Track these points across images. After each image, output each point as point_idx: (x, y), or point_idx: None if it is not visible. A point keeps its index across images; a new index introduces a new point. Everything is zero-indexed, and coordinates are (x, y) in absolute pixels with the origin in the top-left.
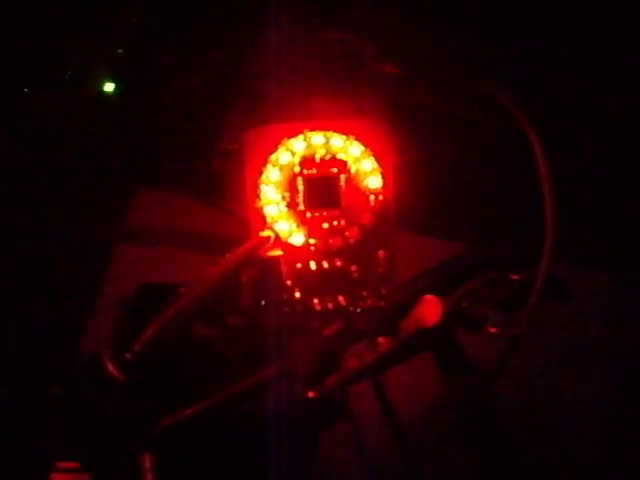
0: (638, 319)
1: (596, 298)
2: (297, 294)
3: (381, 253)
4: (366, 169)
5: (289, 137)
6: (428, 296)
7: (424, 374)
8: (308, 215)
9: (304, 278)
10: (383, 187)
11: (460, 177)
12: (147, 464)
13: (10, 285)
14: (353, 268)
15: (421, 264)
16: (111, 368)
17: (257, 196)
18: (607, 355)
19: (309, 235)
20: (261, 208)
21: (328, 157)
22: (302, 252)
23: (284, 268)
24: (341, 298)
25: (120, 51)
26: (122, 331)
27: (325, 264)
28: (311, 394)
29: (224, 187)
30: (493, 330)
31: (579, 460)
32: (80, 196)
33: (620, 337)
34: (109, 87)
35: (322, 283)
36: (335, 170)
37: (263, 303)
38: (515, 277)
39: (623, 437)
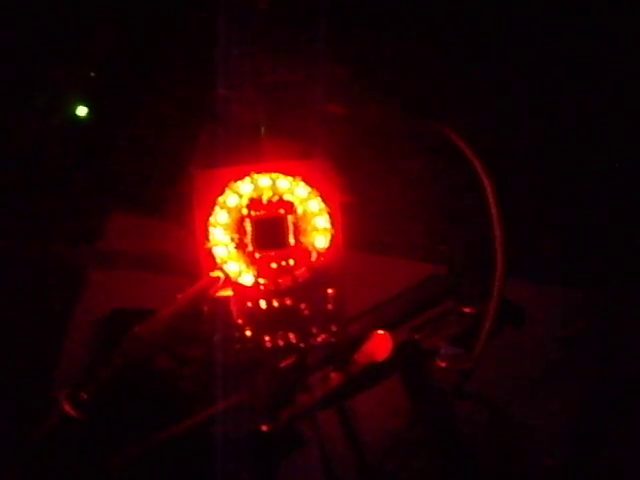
0: (600, 334)
1: (556, 314)
2: (248, 332)
3: (330, 291)
4: (313, 209)
5: (236, 180)
6: (379, 331)
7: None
8: (257, 255)
9: (255, 317)
10: (331, 226)
11: (413, 204)
12: None
13: None
14: (303, 306)
15: (377, 283)
16: (67, 408)
17: (206, 237)
18: (572, 372)
19: (258, 275)
20: (210, 249)
21: (275, 198)
22: (252, 291)
23: (235, 307)
24: (292, 335)
25: (93, 75)
26: (89, 362)
27: (275, 303)
28: (265, 427)
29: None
30: (442, 364)
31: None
32: (52, 220)
33: (583, 353)
34: (82, 111)
35: (273, 321)
36: (282, 211)
37: (216, 339)
38: (468, 310)
39: (590, 455)
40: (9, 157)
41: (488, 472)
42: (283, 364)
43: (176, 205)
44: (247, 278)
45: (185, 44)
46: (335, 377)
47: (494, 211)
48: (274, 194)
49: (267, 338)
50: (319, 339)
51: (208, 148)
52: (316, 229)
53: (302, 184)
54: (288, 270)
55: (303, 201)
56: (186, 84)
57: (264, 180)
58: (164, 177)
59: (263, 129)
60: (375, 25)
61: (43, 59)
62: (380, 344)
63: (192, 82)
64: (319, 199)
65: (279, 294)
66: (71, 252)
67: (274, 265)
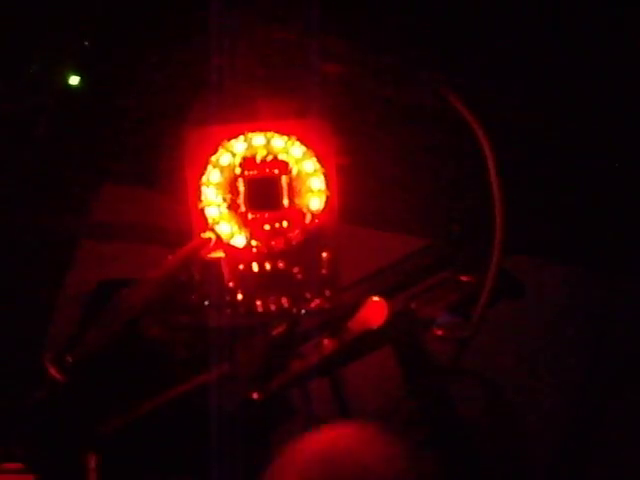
0: (600, 314)
1: (557, 294)
2: (239, 296)
3: (324, 255)
4: (308, 170)
5: (229, 138)
6: (374, 298)
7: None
8: (250, 217)
9: (246, 280)
10: (326, 188)
11: (410, 170)
12: (92, 464)
13: None
14: (296, 270)
15: (372, 258)
16: (52, 371)
17: (198, 197)
18: (570, 352)
19: (251, 237)
20: (202, 209)
21: (269, 158)
22: (244, 254)
23: (226, 270)
24: (284, 300)
25: (86, 43)
26: (76, 329)
27: (267, 266)
28: (255, 395)
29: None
30: (439, 333)
31: (540, 460)
32: (42, 190)
33: (582, 333)
34: (74, 80)
35: (265, 285)
36: (276, 171)
37: (207, 304)
38: (465, 278)
39: (584, 436)
40: (0, 128)
41: (482, 447)
42: (275, 331)
43: (168, 176)
44: (239, 240)
45: (178, 11)
46: (328, 344)
47: (493, 178)
48: (268, 153)
49: (259, 302)
50: (312, 304)
51: (202, 117)
52: (311, 190)
53: (297, 144)
54: (281, 232)
55: (298, 161)
56: (179, 52)
57: (258, 139)
58: (157, 148)
59: (258, 89)
60: None
61: (35, 27)
62: (375, 311)
63: (185, 50)
64: (314, 159)
65: (272, 257)
66: (62, 223)
67: (267, 227)
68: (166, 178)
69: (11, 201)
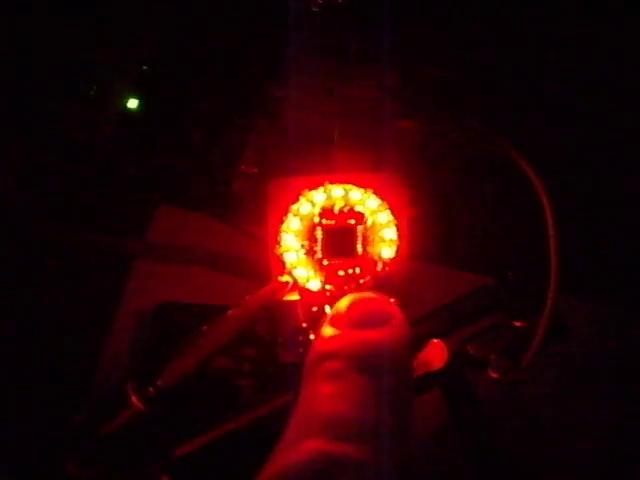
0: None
1: (593, 329)
2: (311, 336)
3: (393, 300)
4: (382, 221)
5: (310, 189)
6: (434, 340)
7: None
8: (325, 263)
9: (319, 321)
10: (397, 238)
11: (475, 211)
12: None
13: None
14: None
15: (437, 293)
16: (135, 401)
17: (277, 243)
18: (607, 384)
19: (325, 281)
20: (281, 254)
21: (346, 209)
22: (318, 297)
23: (300, 311)
24: None
25: (145, 68)
26: (143, 354)
27: None
28: None
29: (243, 209)
30: (494, 375)
31: None
32: (101, 211)
33: (620, 366)
34: (133, 104)
35: None
36: (352, 221)
37: (280, 341)
38: (518, 323)
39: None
40: (60, 149)
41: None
42: None
43: (224, 201)
44: (314, 284)
45: (241, 42)
46: None
47: (551, 228)
48: (346, 204)
49: None
50: None
51: (261, 147)
52: (383, 240)
53: (373, 196)
54: (354, 278)
55: (373, 213)
56: (242, 80)
57: (337, 191)
58: (214, 172)
59: (335, 140)
60: (451, 42)
61: (95, 51)
62: (436, 353)
63: (248, 78)
64: (388, 211)
65: None
66: (118, 243)
67: (341, 273)
68: (223, 203)
69: (70, 219)
